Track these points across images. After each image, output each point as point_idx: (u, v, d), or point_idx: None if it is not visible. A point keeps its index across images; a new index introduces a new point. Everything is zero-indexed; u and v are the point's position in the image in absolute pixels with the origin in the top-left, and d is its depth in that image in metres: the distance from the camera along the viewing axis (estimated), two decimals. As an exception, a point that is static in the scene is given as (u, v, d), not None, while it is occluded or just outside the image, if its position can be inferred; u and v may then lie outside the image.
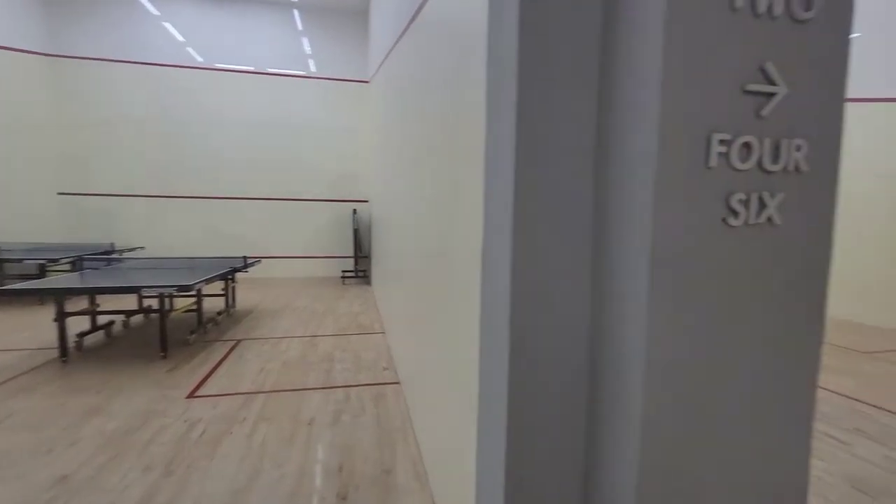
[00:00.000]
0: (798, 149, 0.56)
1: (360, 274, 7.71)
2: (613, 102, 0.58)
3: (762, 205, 0.56)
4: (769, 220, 0.56)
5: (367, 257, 7.67)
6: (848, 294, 5.31)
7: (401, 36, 3.11)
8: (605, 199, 0.60)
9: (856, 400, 3.12)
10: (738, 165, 0.54)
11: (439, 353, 1.90)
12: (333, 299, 6.35)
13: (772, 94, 0.54)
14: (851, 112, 4.30)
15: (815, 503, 1.93)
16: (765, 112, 0.55)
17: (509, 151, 0.58)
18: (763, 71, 0.54)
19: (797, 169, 0.56)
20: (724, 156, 0.54)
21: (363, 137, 7.88)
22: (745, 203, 0.55)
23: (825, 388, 3.29)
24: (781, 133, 0.56)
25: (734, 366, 0.57)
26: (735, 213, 0.55)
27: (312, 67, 7.90)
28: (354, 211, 7.94)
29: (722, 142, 0.53)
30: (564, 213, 0.60)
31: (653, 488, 0.56)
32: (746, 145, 0.55)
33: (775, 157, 0.56)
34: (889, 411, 2.93)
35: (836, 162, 0.58)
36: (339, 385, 3.23)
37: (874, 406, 3.02)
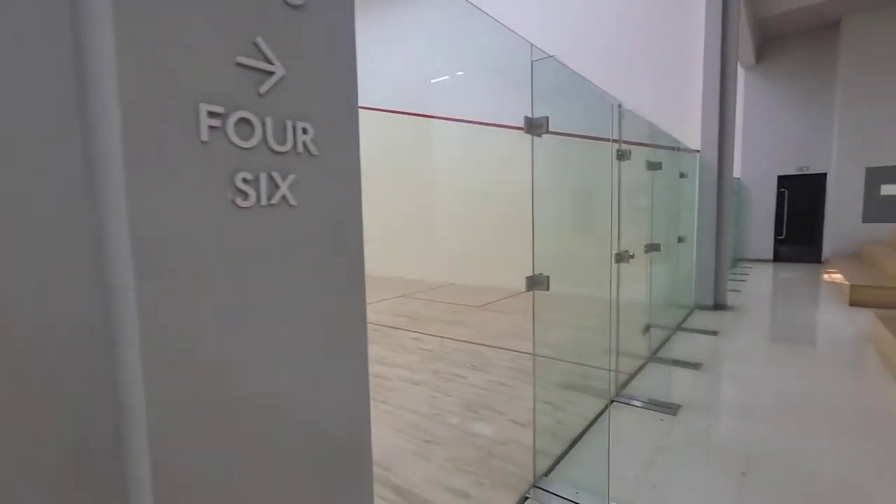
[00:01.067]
0: (305, 132, 0.59)
1: None
2: (86, 69, 0.44)
3: (274, 185, 0.56)
4: (285, 200, 0.57)
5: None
6: (469, 264, 7.15)
7: None
8: (94, 185, 0.46)
9: (472, 343, 4.19)
10: (240, 143, 0.52)
11: None
12: None
13: (269, 73, 0.54)
14: (483, 132, 5.65)
15: (441, 430, 2.45)
16: (263, 90, 0.54)
17: None
18: (256, 46, 0.53)
19: (308, 151, 0.59)
20: (220, 130, 0.50)
21: None
22: (254, 183, 0.54)
23: (452, 339, 4.30)
24: (285, 114, 0.57)
25: (268, 344, 0.56)
26: (244, 194, 0.52)
27: None
28: None
29: (213, 114, 0.49)
30: (39, 211, 0.43)
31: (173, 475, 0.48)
32: (246, 121, 0.53)
33: (282, 138, 0.57)
34: (490, 346, 4.08)
35: (349, 148, 0.65)
36: None
37: (482, 344, 4.13)
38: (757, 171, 10.04)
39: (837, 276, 6.61)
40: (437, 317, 5.33)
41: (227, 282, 0.51)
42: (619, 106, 2.70)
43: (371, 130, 8.51)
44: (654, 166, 3.28)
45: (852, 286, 5.50)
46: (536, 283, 1.83)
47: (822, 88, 9.26)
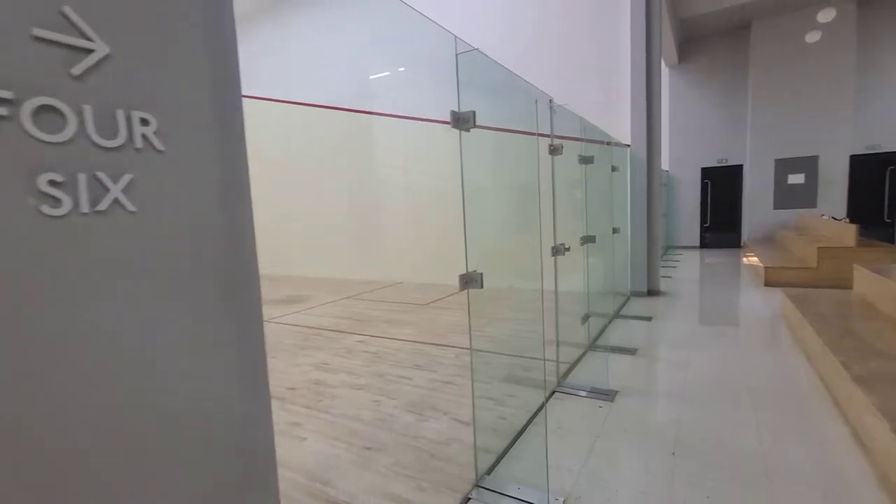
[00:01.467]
0: (145, 123, 0.49)
1: None
2: None
3: (102, 188, 0.46)
4: (119, 205, 0.47)
5: None
6: (417, 262, 7.08)
7: None
8: None
9: (417, 342, 4.13)
10: (43, 136, 0.42)
11: None
12: None
13: (87, 50, 0.44)
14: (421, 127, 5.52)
15: (383, 435, 2.38)
16: (77, 71, 0.44)
17: None
18: (64, 16, 0.43)
19: (151, 146, 0.50)
20: (10, 121, 0.40)
21: None
22: (69, 186, 0.44)
23: (398, 339, 4.22)
24: (113, 101, 0.47)
25: (106, 365, 0.46)
26: (54, 200, 0.42)
27: None
28: None
29: (-4, 100, 0.39)
30: None
31: None
32: (52, 110, 0.43)
33: (110, 131, 0.47)
34: (435, 344, 4.04)
35: (218, 141, 0.56)
36: None
37: (428, 343, 4.08)
38: (683, 163, 10.72)
39: (754, 260, 7.19)
40: (383, 317, 5.22)
41: (36, 307, 0.41)
42: (550, 101, 2.73)
43: (309, 127, 8.19)
44: (586, 160, 3.36)
45: (766, 268, 5.99)
46: (470, 280, 1.79)
47: (737, 86, 10.02)
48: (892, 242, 8.53)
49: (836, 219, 7.24)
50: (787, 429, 2.30)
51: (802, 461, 2.01)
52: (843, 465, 1.95)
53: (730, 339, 3.90)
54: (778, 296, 5.11)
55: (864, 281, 3.93)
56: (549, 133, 2.74)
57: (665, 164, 10.53)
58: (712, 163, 10.51)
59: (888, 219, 9.06)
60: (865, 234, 6.35)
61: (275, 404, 2.92)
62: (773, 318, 4.39)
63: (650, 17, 5.24)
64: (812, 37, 8.71)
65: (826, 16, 7.97)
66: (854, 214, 8.81)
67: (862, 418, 2.07)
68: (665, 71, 10.49)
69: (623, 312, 4.94)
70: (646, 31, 5.23)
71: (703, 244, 10.80)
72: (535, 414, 2.61)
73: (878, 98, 8.91)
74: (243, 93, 0.62)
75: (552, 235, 2.83)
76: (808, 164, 9.23)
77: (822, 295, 4.18)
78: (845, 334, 2.93)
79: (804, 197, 9.32)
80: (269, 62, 8.55)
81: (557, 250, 2.85)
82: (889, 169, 8.98)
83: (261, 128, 8.83)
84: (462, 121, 1.67)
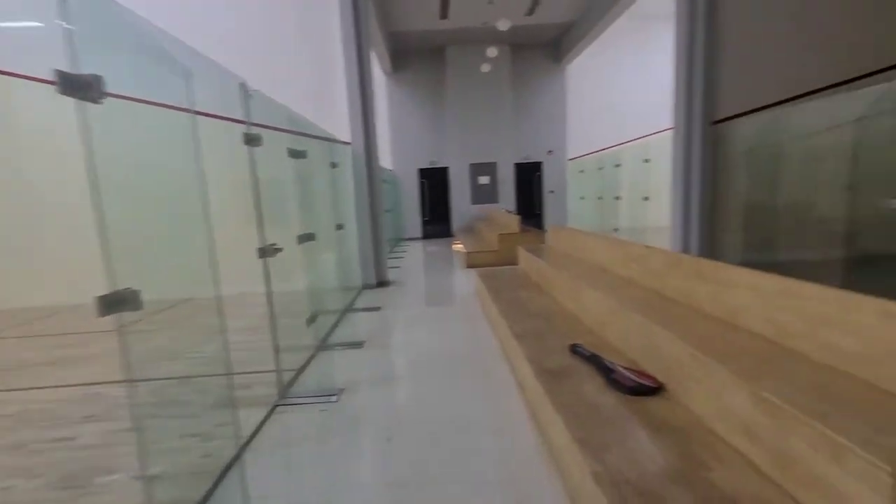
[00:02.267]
0: None
1: None
2: None
3: None
4: None
5: None
6: (93, 275, 5.41)
7: None
8: None
9: (94, 384, 3.12)
10: None
11: None
12: None
13: None
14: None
15: (5, 545, 1.62)
16: None
17: None
18: None
19: None
20: None
21: None
22: None
23: (60, 386, 3.08)
24: None
25: None
26: None
27: None
28: None
29: None
30: None
31: None
32: None
33: None
34: (123, 382, 3.12)
35: None
36: None
37: (111, 382, 3.12)
38: (405, 163, 11.96)
39: (460, 247, 8.63)
40: (39, 359, 3.76)
41: None
42: (242, 84, 2.41)
43: None
44: (297, 154, 3.19)
45: (467, 253, 7.26)
46: (119, 302, 1.35)
47: (439, 99, 11.82)
48: (541, 228, 11.79)
49: (509, 211, 9.44)
50: (476, 389, 2.75)
51: (485, 413, 2.41)
52: (511, 410, 2.43)
53: (440, 319, 4.49)
54: (474, 275, 6.25)
55: (524, 258, 5.19)
56: (244, 119, 2.42)
57: (390, 163, 11.48)
58: (426, 164, 12.10)
59: (538, 211, 12.47)
60: (526, 222, 8.51)
61: None
62: (471, 295, 5.31)
63: (359, 25, 5.45)
64: (485, 67, 11.03)
65: (491, 52, 10.20)
66: (520, 208, 11.74)
67: (521, 368, 2.64)
68: (383, 77, 11.36)
69: (355, 306, 5.06)
70: (356, 37, 5.43)
71: (425, 235, 12.37)
72: (251, 438, 2.30)
73: (526, 120, 12.09)
74: None
75: (259, 236, 2.54)
76: (490, 169, 11.75)
77: (500, 272, 5.30)
78: (512, 301, 3.76)
79: (490, 194, 11.82)
80: None
81: (266, 252, 2.58)
82: (535, 174, 12.35)
83: None
84: (79, 86, 1.21)
